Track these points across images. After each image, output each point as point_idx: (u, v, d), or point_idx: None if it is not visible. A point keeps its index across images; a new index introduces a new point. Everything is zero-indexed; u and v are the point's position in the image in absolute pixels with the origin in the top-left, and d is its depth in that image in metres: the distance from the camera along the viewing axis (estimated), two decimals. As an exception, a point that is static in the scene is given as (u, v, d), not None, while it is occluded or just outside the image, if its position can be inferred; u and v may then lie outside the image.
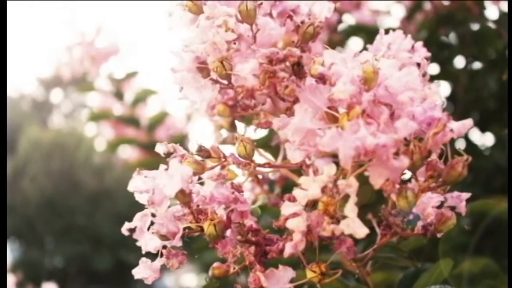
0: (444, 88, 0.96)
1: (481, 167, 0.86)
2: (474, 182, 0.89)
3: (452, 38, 0.97)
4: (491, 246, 0.56)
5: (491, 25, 0.85)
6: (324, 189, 0.25)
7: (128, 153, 1.01)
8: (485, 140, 1.03)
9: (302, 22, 0.30)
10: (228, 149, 0.31)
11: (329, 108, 0.25)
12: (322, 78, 0.26)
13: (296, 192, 0.25)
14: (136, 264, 0.29)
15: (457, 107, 0.91)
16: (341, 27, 0.79)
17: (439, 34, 0.92)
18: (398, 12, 0.91)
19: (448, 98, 0.96)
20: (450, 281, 0.42)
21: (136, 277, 0.28)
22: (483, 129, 0.97)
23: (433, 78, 0.91)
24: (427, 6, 0.90)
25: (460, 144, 0.97)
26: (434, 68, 0.93)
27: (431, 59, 0.98)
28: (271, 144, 0.36)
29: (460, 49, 0.92)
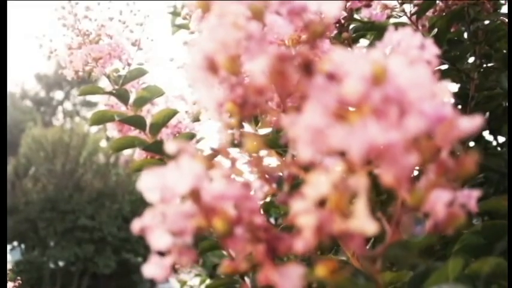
0: (455, 86, 0.95)
1: (493, 166, 0.85)
2: (487, 181, 0.88)
3: (464, 35, 0.96)
4: (502, 245, 0.56)
5: (504, 21, 0.85)
6: (333, 186, 0.25)
7: (132, 152, 0.99)
8: (499, 138, 1.02)
9: (310, 20, 0.30)
10: (234, 149, 0.32)
11: (339, 106, 0.25)
12: (331, 77, 0.26)
13: (305, 189, 0.25)
14: (140, 265, 0.29)
15: (468, 105, 0.90)
16: (351, 24, 0.79)
17: (451, 31, 0.92)
18: (410, 9, 0.91)
19: (460, 96, 0.95)
20: (461, 281, 0.42)
21: (146, 275, 0.28)
22: (495, 128, 0.96)
23: (444, 75, 0.91)
24: (438, 2, 0.90)
25: (473, 143, 0.96)
26: (445, 66, 0.92)
27: (443, 57, 0.98)
28: (279, 143, 0.37)
29: (472, 46, 0.92)
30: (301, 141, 0.25)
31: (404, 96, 0.24)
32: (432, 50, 0.31)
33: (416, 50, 0.30)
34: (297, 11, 0.30)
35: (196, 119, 0.94)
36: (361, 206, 0.24)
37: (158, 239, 0.28)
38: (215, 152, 0.30)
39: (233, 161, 0.30)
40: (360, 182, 0.24)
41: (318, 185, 0.25)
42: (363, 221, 0.24)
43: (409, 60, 0.29)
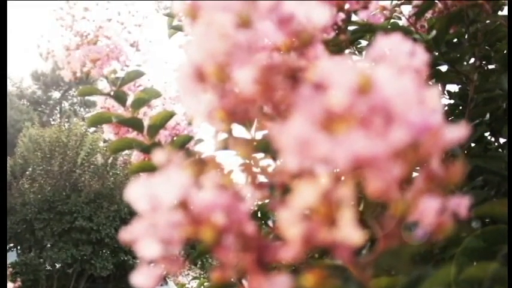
0: (455, 88, 0.95)
1: (494, 168, 0.84)
2: (487, 184, 0.87)
3: (463, 36, 0.95)
4: (503, 250, 0.55)
5: (504, 23, 0.84)
6: (319, 196, 0.25)
7: (130, 152, 0.99)
8: (500, 140, 1.01)
9: (299, 27, 0.30)
10: (227, 154, 0.32)
11: (325, 116, 0.25)
12: (318, 86, 0.26)
13: (292, 198, 0.25)
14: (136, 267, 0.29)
15: (468, 107, 0.90)
16: (349, 27, 0.79)
17: (450, 32, 0.91)
18: (409, 10, 0.91)
19: (459, 98, 0.95)
20: (457, 286, 0.42)
21: (135, 284, 0.28)
22: (495, 130, 0.95)
23: (443, 77, 0.90)
24: (438, 3, 0.89)
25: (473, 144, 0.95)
26: (444, 67, 0.92)
27: (442, 58, 0.97)
28: (271, 148, 0.36)
29: (472, 48, 0.91)
30: (287, 151, 0.25)
31: (391, 106, 0.24)
32: (421, 56, 0.30)
33: (405, 58, 0.30)
34: (285, 19, 0.30)
35: (190, 123, 0.94)
36: (346, 216, 0.24)
37: (147, 249, 0.28)
38: (202, 161, 0.30)
39: (222, 169, 0.30)
40: (346, 192, 0.24)
41: (304, 194, 0.25)
42: (348, 231, 0.24)
43: (398, 68, 0.29)
